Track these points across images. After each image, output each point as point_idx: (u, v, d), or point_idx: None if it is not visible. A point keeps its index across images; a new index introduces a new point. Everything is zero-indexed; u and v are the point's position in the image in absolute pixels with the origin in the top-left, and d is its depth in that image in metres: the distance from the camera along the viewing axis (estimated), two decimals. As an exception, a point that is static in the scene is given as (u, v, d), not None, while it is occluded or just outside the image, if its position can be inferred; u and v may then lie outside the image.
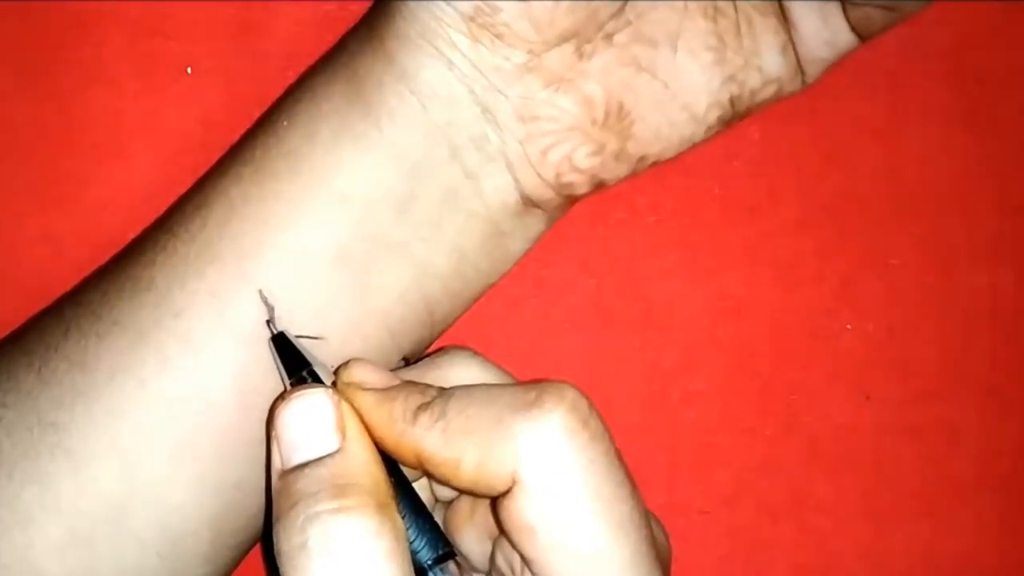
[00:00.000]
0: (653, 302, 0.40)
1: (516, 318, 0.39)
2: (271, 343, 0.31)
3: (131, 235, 0.36)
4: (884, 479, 0.40)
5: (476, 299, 0.35)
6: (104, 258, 0.35)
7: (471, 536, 0.32)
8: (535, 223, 0.35)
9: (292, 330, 0.32)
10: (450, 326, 0.35)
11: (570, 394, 0.28)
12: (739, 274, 0.40)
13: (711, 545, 0.40)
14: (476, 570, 0.32)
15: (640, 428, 0.40)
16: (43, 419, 0.32)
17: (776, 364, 0.40)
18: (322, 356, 0.32)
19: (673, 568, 0.32)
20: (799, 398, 0.40)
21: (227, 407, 0.32)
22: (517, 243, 0.35)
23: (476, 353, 0.33)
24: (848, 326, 0.40)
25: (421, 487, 0.32)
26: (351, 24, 0.36)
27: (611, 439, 0.28)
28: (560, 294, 0.40)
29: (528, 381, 0.29)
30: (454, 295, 0.34)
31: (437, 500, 0.33)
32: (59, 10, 0.39)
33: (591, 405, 0.28)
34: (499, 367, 0.32)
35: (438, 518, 0.33)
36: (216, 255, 0.32)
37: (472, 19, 0.31)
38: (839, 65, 0.34)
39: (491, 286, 0.35)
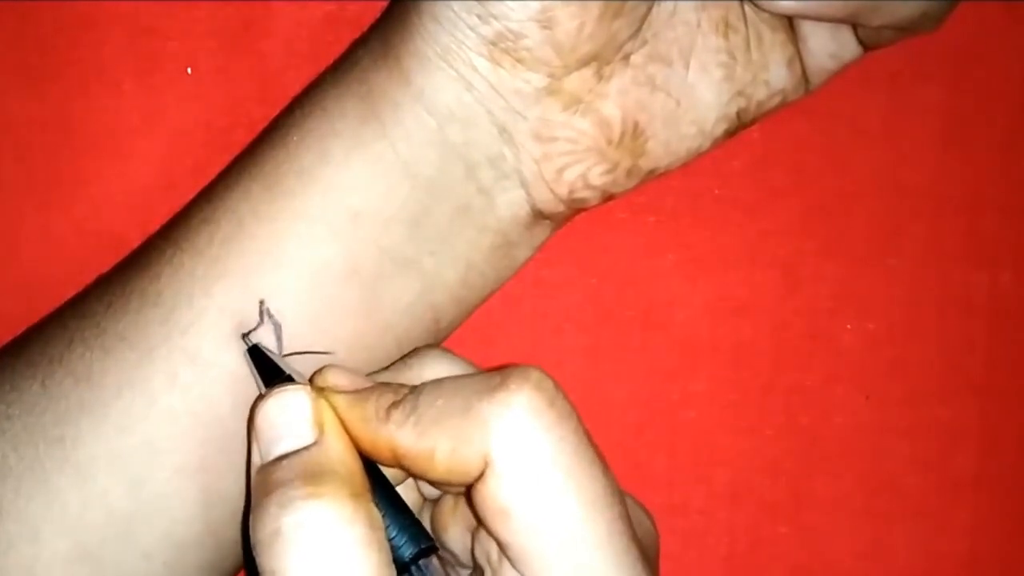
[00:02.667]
0: (653, 302, 0.40)
1: (516, 318, 0.39)
2: (246, 355, 0.31)
3: (131, 235, 0.36)
4: (884, 479, 0.40)
5: (480, 304, 0.35)
6: (104, 259, 0.35)
7: (456, 532, 0.32)
8: (542, 232, 0.35)
9: (298, 345, 0.32)
10: (454, 331, 0.35)
11: (534, 375, 0.28)
12: (739, 274, 0.40)
13: (711, 545, 0.40)
14: (464, 566, 0.32)
15: (640, 428, 0.40)
16: (49, 433, 0.32)
17: (776, 364, 0.40)
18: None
19: (673, 568, 0.32)
20: (799, 398, 0.40)
21: (234, 421, 0.32)
22: (523, 251, 0.35)
23: (446, 350, 0.32)
24: (848, 326, 0.40)
25: (408, 487, 0.32)
26: (351, 24, 0.36)
27: (579, 419, 0.28)
28: (560, 294, 0.40)
29: (494, 368, 0.29)
30: (460, 303, 0.34)
31: (425, 499, 0.33)
32: (59, 10, 0.38)
33: (557, 385, 0.28)
34: (469, 362, 0.32)
35: (425, 516, 0.33)
36: (224, 271, 0.32)
37: (494, 43, 0.31)
38: (839, 65, 0.35)
39: (495, 291, 0.35)
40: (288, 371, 0.31)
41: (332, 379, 0.30)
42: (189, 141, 0.38)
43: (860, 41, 0.34)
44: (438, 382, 0.29)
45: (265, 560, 0.27)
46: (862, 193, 0.40)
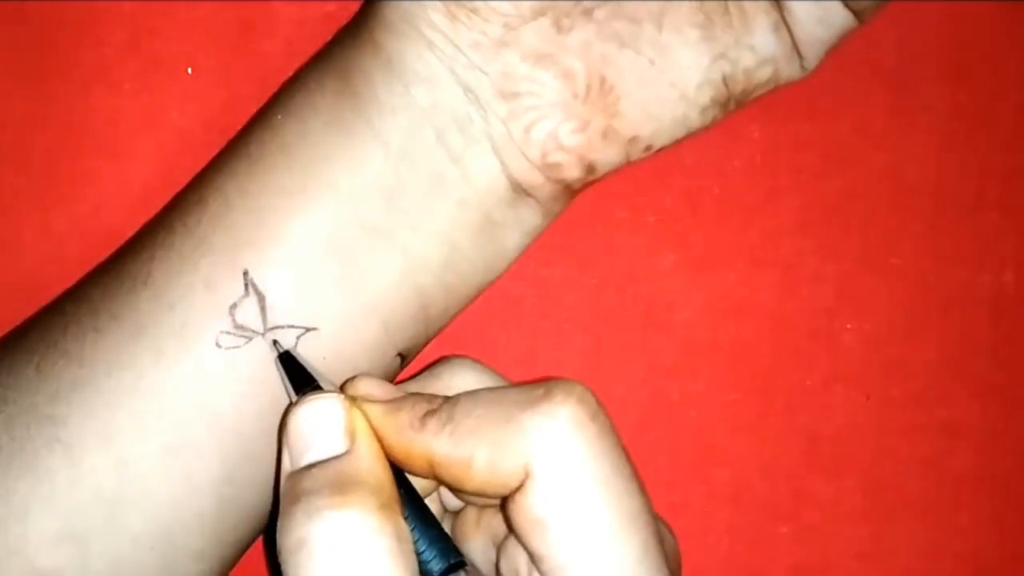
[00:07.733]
0: (653, 302, 0.40)
1: (516, 318, 0.39)
2: (277, 361, 0.31)
3: (130, 234, 0.36)
4: (884, 479, 0.40)
5: (472, 296, 0.35)
6: (104, 256, 0.36)
7: (478, 545, 0.32)
8: (530, 215, 0.34)
9: (284, 320, 0.32)
10: (447, 324, 0.35)
11: (578, 389, 0.28)
12: (739, 274, 0.40)
13: (711, 545, 0.40)
14: None
15: (640, 428, 0.40)
16: (41, 413, 0.32)
17: (776, 364, 0.40)
18: (315, 348, 0.32)
19: (673, 568, 0.32)
20: (799, 398, 0.40)
21: (220, 399, 0.32)
22: (512, 236, 0.34)
23: (475, 361, 0.33)
24: (848, 326, 0.40)
25: (430, 499, 0.32)
26: (351, 24, 0.36)
27: (618, 435, 0.29)
28: (560, 294, 0.40)
29: (532, 381, 0.29)
30: (448, 289, 0.34)
31: (446, 510, 0.33)
32: (59, 10, 0.39)
33: (599, 401, 0.28)
34: (498, 373, 0.32)
35: (446, 528, 0.33)
36: (210, 248, 0.32)
37: None
38: (839, 64, 0.34)
39: (488, 284, 0.35)
40: (319, 379, 0.31)
41: (364, 388, 0.30)
42: (189, 141, 0.38)
43: (846, 4, 0.32)
44: (474, 393, 0.29)
45: (291, 569, 0.27)
46: (862, 193, 0.40)
